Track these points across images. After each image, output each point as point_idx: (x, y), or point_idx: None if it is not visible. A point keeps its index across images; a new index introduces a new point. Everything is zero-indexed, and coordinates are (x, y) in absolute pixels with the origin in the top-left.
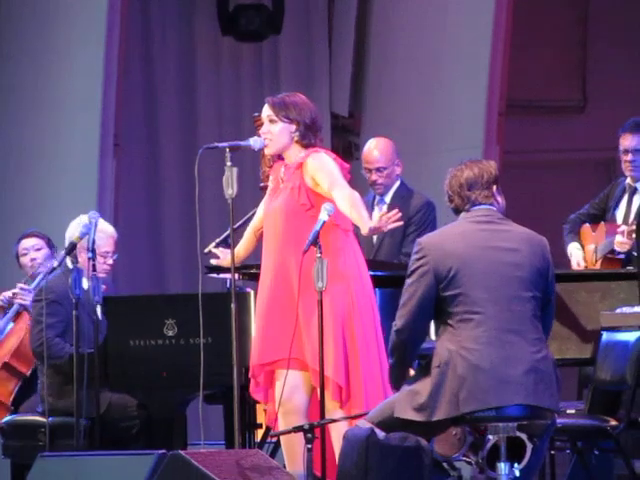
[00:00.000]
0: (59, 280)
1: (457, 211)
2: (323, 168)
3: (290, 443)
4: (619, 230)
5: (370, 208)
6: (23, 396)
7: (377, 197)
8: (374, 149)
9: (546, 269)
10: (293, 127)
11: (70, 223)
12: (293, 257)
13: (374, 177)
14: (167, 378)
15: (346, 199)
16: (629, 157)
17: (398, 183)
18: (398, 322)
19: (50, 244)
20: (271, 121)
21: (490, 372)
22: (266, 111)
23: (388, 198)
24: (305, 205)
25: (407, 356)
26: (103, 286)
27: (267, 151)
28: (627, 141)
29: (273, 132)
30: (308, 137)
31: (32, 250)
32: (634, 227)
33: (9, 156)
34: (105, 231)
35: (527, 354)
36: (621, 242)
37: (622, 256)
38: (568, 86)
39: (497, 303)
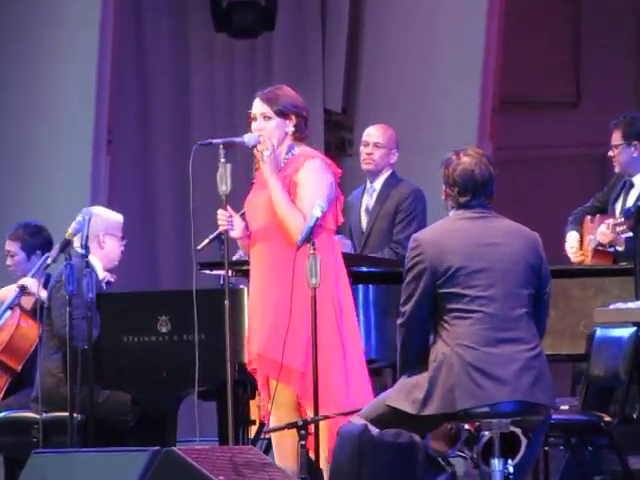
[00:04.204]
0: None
1: (459, 205)
2: (313, 184)
3: (280, 437)
4: (605, 222)
5: (360, 197)
6: (13, 393)
7: (368, 185)
8: (379, 127)
9: (539, 265)
10: (287, 122)
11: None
12: (278, 252)
13: (369, 149)
14: (162, 375)
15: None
16: (610, 153)
17: (389, 172)
18: (400, 320)
19: (28, 246)
20: (265, 117)
21: (485, 370)
22: (259, 107)
23: (378, 185)
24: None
25: (410, 352)
26: (114, 276)
27: (262, 148)
28: (611, 137)
29: (268, 129)
30: (302, 130)
31: (8, 256)
32: (619, 220)
33: (1, 153)
34: (114, 217)
35: (521, 352)
36: (603, 232)
37: (612, 249)
38: (562, 82)
39: (493, 301)
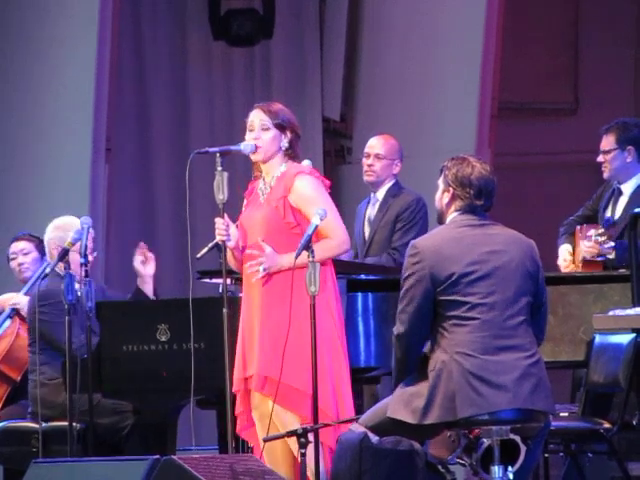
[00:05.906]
0: (56, 284)
1: (470, 207)
2: (314, 199)
3: (271, 447)
4: (587, 234)
5: (365, 208)
6: (12, 402)
7: (372, 195)
8: (381, 137)
9: (536, 272)
10: (283, 136)
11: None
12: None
13: (370, 161)
14: (160, 383)
15: (334, 248)
16: (599, 158)
17: (392, 182)
18: (399, 327)
19: (41, 247)
20: (263, 128)
21: (484, 378)
22: (258, 117)
23: (380, 195)
24: (291, 223)
25: (409, 360)
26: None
27: (255, 158)
28: (601, 143)
29: (265, 139)
30: (295, 148)
31: (20, 254)
32: (600, 231)
33: (1, 160)
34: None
35: (520, 359)
36: (587, 248)
37: (601, 258)
38: (560, 88)
39: (492, 308)
